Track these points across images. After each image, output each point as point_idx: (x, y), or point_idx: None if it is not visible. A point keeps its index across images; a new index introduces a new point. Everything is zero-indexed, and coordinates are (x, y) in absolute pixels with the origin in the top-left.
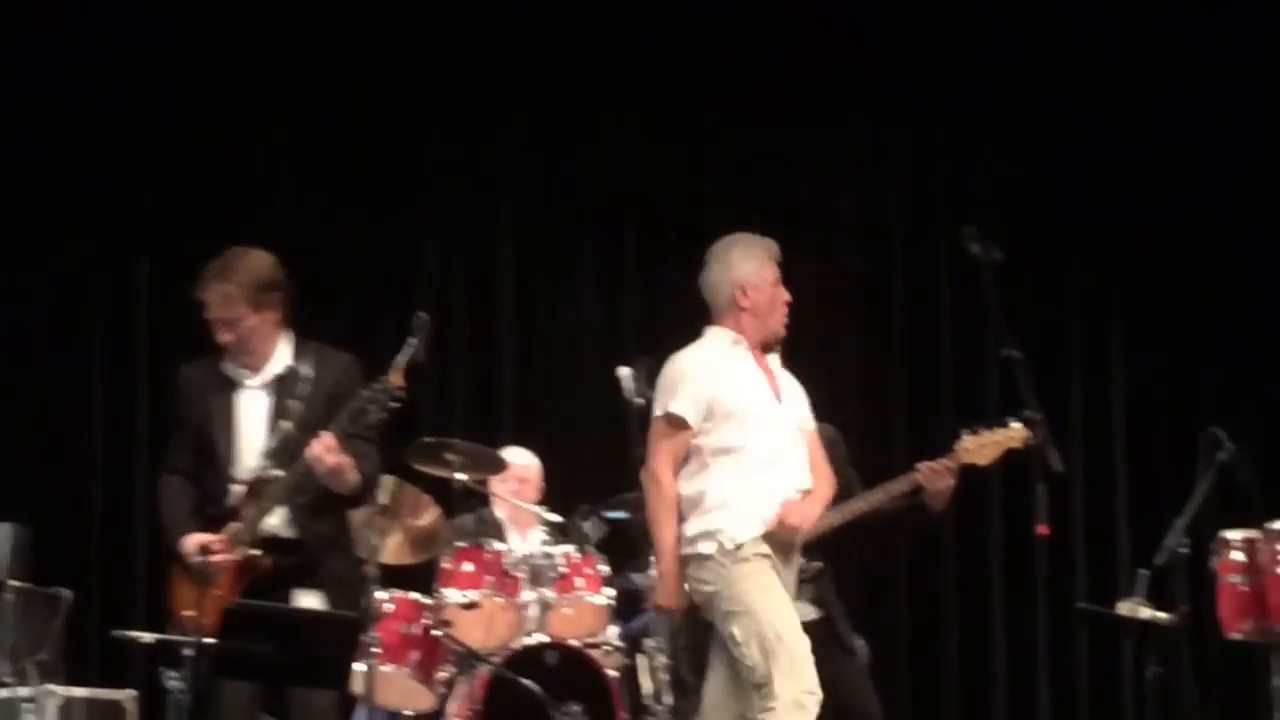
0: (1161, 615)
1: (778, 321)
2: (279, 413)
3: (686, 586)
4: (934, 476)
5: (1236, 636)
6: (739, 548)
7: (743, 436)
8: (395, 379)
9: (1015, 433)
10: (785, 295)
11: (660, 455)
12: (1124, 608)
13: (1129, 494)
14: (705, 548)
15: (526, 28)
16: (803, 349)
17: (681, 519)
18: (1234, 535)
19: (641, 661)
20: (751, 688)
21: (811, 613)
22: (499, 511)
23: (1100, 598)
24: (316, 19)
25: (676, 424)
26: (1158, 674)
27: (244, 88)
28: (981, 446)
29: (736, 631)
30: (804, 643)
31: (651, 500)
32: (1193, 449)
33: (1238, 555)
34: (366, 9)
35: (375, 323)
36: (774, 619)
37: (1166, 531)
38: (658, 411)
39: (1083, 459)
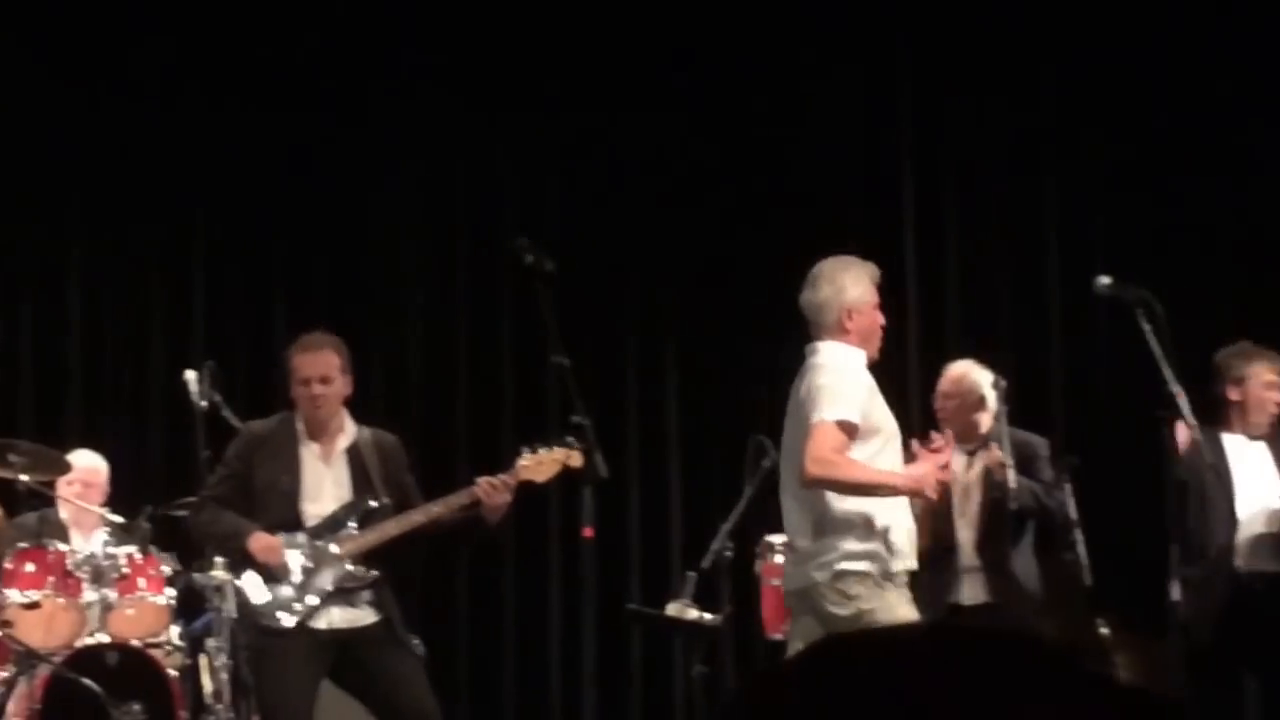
0: (707, 616)
1: (876, 345)
2: None
3: (828, 605)
4: (492, 492)
5: (778, 636)
6: (897, 574)
7: (886, 457)
8: None
9: (572, 453)
10: (883, 319)
11: (830, 451)
12: (672, 609)
13: (681, 498)
14: (866, 567)
15: None
16: (374, 364)
17: (827, 533)
18: (776, 539)
19: (203, 661)
20: None
21: (371, 616)
22: (63, 512)
23: (655, 600)
24: None
25: (848, 430)
26: (703, 673)
27: None
28: (540, 464)
29: None
30: None
31: (846, 474)
32: (742, 456)
33: (779, 558)
34: None
35: None
36: None
37: (715, 535)
38: (826, 417)
39: (639, 464)
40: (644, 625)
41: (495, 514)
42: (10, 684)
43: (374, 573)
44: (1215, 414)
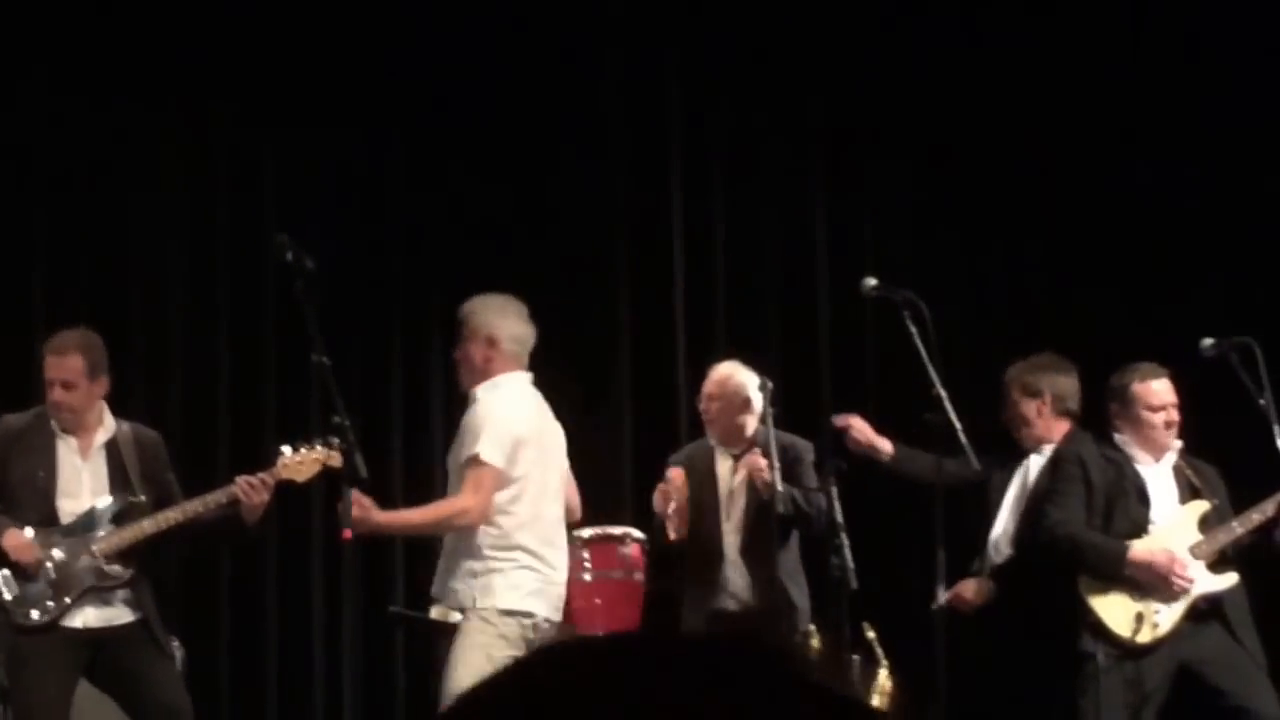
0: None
1: None
2: None
3: None
4: (251, 491)
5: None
6: None
7: None
8: None
9: (332, 454)
10: None
11: None
12: (436, 612)
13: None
14: None
15: None
16: (134, 359)
17: None
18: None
19: None
20: None
21: (128, 615)
22: None
23: (418, 603)
24: None
25: None
26: None
27: None
28: (300, 464)
29: None
30: None
31: None
32: None
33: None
34: None
35: None
36: None
37: None
38: None
39: (403, 464)
40: (408, 627)
41: (254, 513)
42: None
43: (130, 571)
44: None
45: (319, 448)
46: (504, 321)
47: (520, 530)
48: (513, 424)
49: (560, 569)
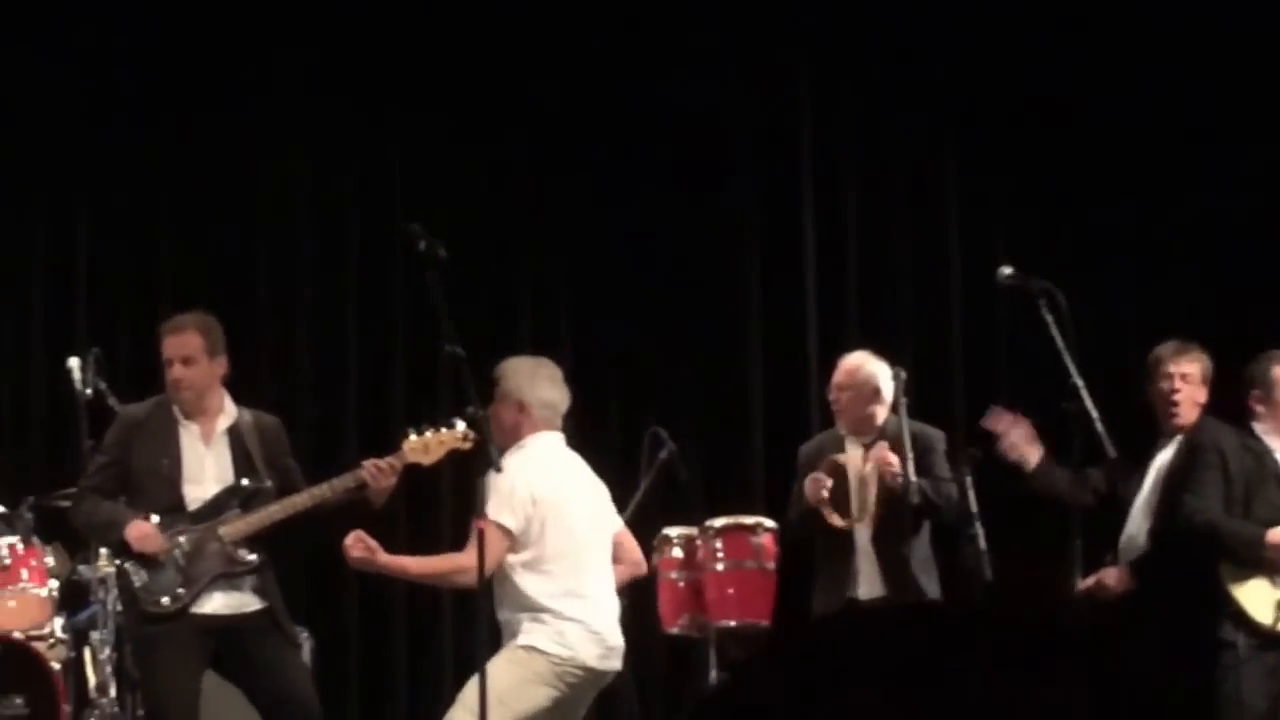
0: None
1: None
2: None
3: None
4: (378, 474)
5: (674, 630)
6: None
7: None
8: None
9: (459, 434)
10: None
11: None
12: None
13: None
14: None
15: None
16: (263, 351)
17: None
18: (674, 532)
19: (87, 654)
20: None
21: (255, 603)
22: None
23: None
24: None
25: None
26: None
27: None
28: (426, 446)
29: None
30: None
31: None
32: (638, 446)
33: (677, 551)
34: None
35: None
36: None
37: None
38: None
39: None
40: None
41: (381, 497)
42: None
43: (258, 557)
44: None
45: (444, 430)
46: (534, 386)
47: (551, 587)
48: (533, 487)
49: (602, 622)
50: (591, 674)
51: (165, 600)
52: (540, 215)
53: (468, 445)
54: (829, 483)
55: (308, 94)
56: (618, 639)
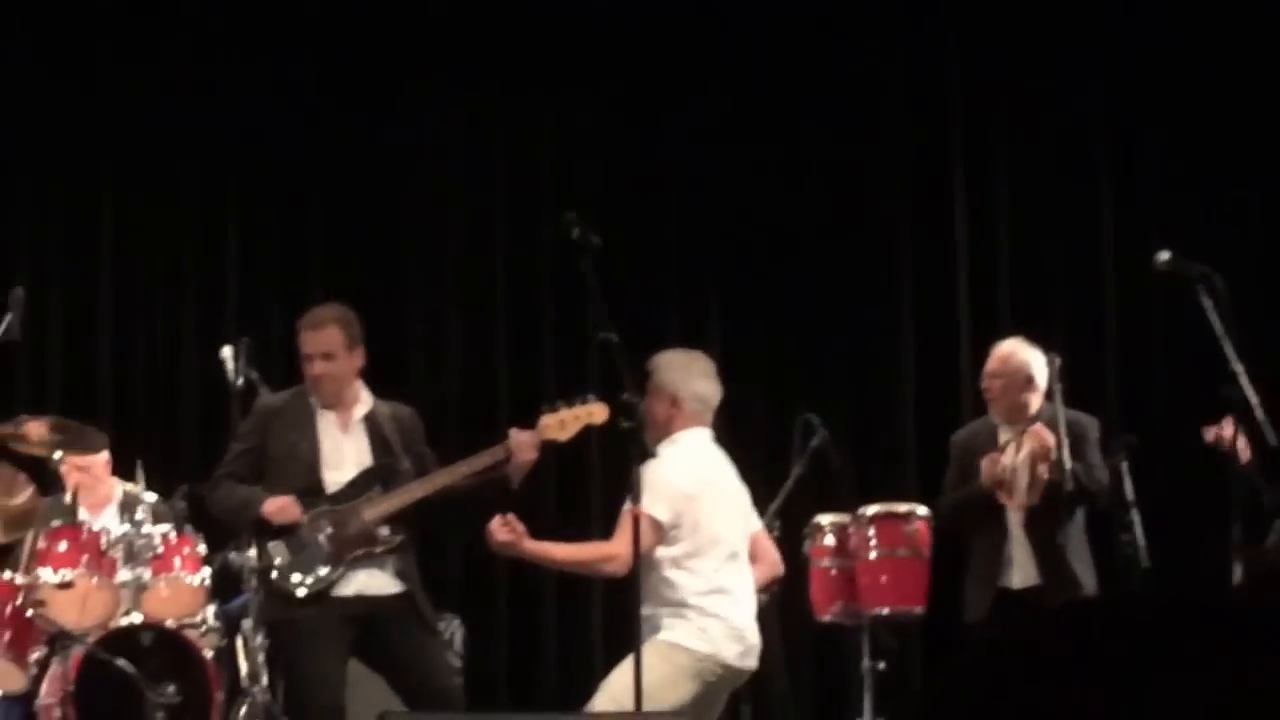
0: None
1: None
2: None
3: None
4: (522, 447)
5: (827, 619)
6: None
7: None
8: None
9: (595, 409)
10: None
11: None
12: None
13: None
14: None
15: None
16: (411, 342)
17: None
18: (826, 519)
19: (239, 642)
20: None
21: (396, 586)
22: (69, 491)
23: None
24: None
25: None
26: None
27: None
28: (562, 423)
29: None
30: None
31: None
32: (789, 433)
33: (829, 539)
34: None
35: None
36: None
37: (760, 515)
38: None
39: None
40: None
41: (519, 474)
42: (44, 665)
43: (399, 536)
44: None
45: (579, 405)
46: (688, 380)
47: (697, 584)
48: (683, 481)
49: (743, 620)
50: (730, 671)
51: (309, 580)
52: (689, 201)
53: (601, 421)
54: (1004, 460)
55: (455, 82)
56: (756, 638)
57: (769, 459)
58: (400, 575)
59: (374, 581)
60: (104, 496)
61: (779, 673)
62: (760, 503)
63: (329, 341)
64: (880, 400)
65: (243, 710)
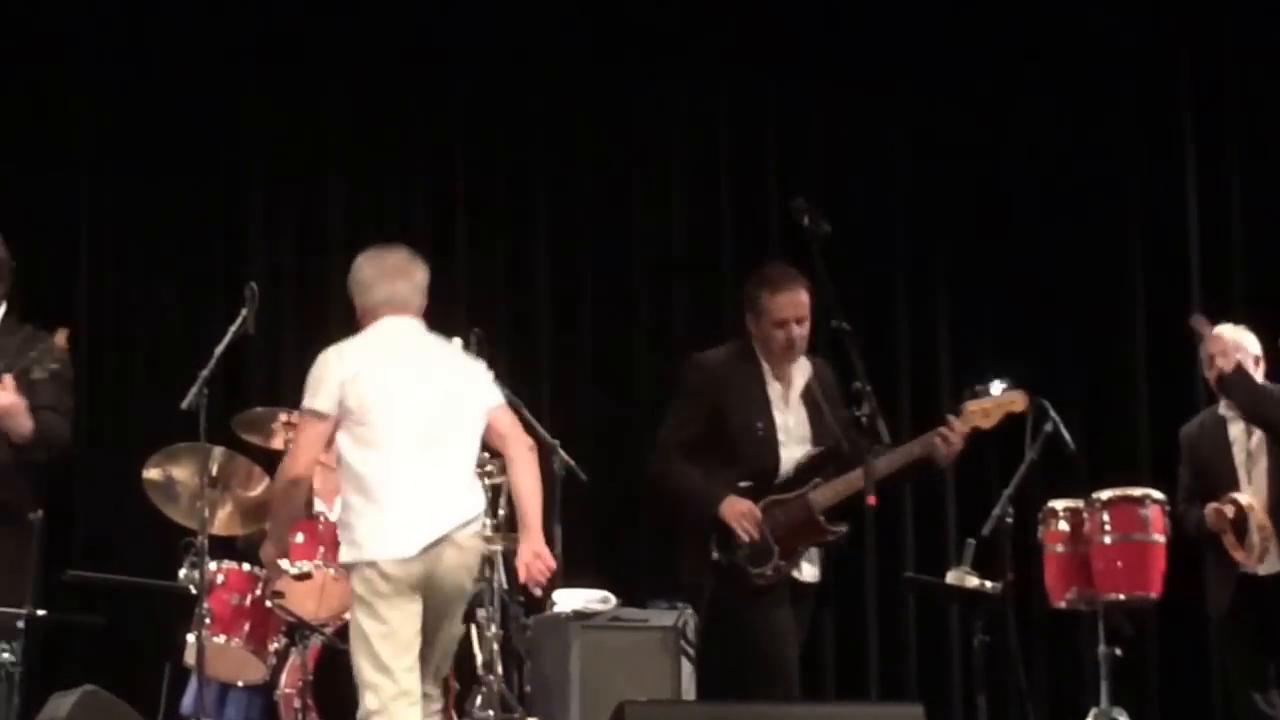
0: (988, 584)
1: None
2: None
3: None
4: (944, 443)
5: (1062, 604)
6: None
7: None
8: (59, 341)
9: (1015, 397)
10: None
11: None
12: (952, 576)
13: (958, 463)
14: None
15: None
16: (633, 323)
17: None
18: (1060, 505)
19: (474, 631)
20: None
21: (818, 575)
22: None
23: (930, 567)
24: None
25: None
26: (984, 642)
27: None
28: (985, 411)
29: None
30: None
31: None
32: (1020, 419)
33: (1063, 525)
34: None
35: (208, 295)
36: None
37: (994, 501)
38: None
39: (910, 427)
40: (922, 593)
41: (947, 461)
42: (283, 655)
43: (844, 528)
44: None
45: (1003, 392)
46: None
47: None
48: None
49: None
50: None
51: (767, 571)
52: (918, 185)
53: (1022, 409)
54: (1230, 513)
55: (683, 71)
56: None
57: (1001, 445)
58: (821, 564)
59: (812, 570)
60: (338, 486)
61: (1014, 659)
62: (990, 488)
63: (805, 305)
64: (1113, 384)
65: (478, 699)
